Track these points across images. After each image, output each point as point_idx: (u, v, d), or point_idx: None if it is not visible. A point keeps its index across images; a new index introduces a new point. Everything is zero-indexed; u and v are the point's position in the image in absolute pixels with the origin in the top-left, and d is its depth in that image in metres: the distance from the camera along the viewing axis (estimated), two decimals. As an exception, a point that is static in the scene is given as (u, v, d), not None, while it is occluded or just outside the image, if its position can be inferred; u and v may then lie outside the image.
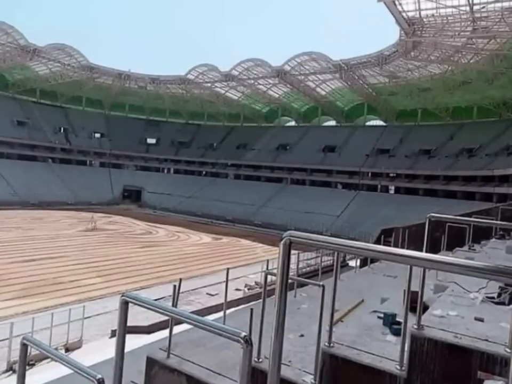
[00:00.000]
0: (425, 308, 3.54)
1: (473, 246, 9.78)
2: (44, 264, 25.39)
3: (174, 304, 4.93)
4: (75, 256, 28.20)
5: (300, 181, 62.29)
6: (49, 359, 11.70)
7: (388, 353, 3.37)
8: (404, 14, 39.68)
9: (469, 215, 13.08)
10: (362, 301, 8.24)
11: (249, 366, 1.40)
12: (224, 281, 8.32)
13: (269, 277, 4.86)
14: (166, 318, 1.80)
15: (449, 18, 38.96)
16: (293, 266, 16.65)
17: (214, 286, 22.29)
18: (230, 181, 67.69)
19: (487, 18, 37.22)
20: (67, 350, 14.27)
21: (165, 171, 74.82)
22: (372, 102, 64.55)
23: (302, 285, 9.80)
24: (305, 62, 58.43)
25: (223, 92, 71.97)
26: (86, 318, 15.58)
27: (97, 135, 74.57)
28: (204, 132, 77.03)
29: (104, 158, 72.31)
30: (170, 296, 8.48)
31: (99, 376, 1.63)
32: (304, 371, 3.86)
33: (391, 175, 55.90)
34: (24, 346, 1.87)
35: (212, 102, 74.21)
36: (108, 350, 11.02)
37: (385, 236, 15.90)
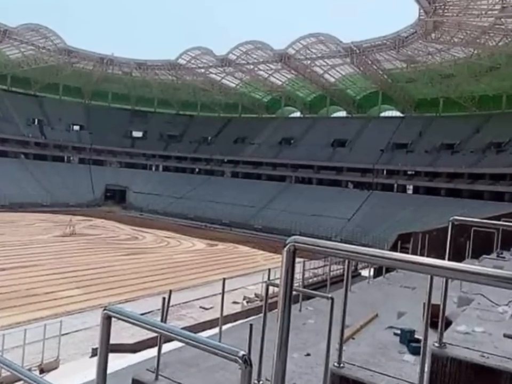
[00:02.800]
0: (447, 324, 3.54)
1: (502, 254, 9.78)
2: (16, 273, 25.36)
3: (163, 319, 4.94)
4: (51, 265, 28.20)
5: (306, 179, 62.32)
6: (21, 382, 11.70)
7: (405, 374, 3.37)
8: (423, -9, 39.76)
9: (498, 218, 13.07)
10: (377, 315, 8.26)
11: (249, 389, 1.40)
12: (219, 293, 8.32)
13: (271, 288, 4.86)
14: (154, 334, 1.80)
15: (475, -5, 39.00)
16: (297, 276, 16.66)
17: (208, 299, 22.30)
18: (227, 179, 67.71)
19: (517, -5, 37.25)
20: (42, 371, 14.27)
21: (153, 168, 74.86)
22: (388, 90, 64.57)
23: (308, 297, 9.82)
24: (311, 44, 58.45)
25: (218, 78, 71.99)
26: (63, 334, 15.59)
27: (76, 128, 74.56)
28: (196, 124, 77.07)
29: (84, 153, 72.30)
30: (158, 310, 8.48)
31: (78, 400, 1.63)
32: (310, 395, 3.85)
33: (409, 172, 55.93)
34: (-7, 367, 1.87)
35: (206, 90, 74.23)
36: (88, 371, 11.02)
37: (403, 242, 15.96)
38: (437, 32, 46.96)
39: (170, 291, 5.84)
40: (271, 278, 13.53)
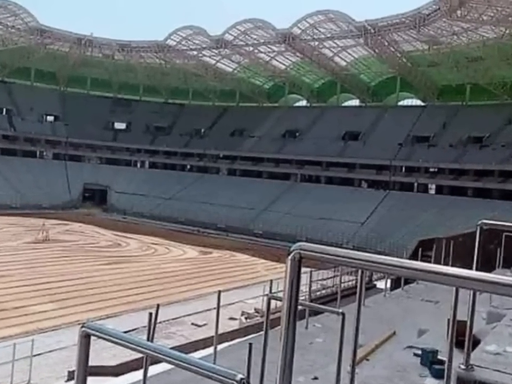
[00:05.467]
0: (475, 343, 3.54)
1: (537, 262, 9.78)
2: (-19, 285, 25.38)
3: (150, 338, 4.94)
4: (21, 276, 28.17)
5: (313, 177, 62.36)
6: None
7: (427, 401, 3.37)
8: (447, -39, 39.79)
9: (533, 222, 13.07)
10: (394, 333, 8.27)
11: (247, 417, 1.40)
12: (214, 308, 8.34)
13: (273, 302, 4.87)
14: (139, 355, 1.80)
15: (506, -34, 39.03)
16: (303, 288, 16.67)
17: (201, 314, 22.31)
18: (223, 177, 67.74)
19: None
20: (11, 397, 14.27)
21: (138, 165, 74.84)
22: (407, 75, 64.58)
23: (315, 312, 9.83)
24: (319, 23, 58.49)
25: (213, 62, 72.00)
26: (35, 355, 15.57)
27: (50, 118, 74.57)
28: (188, 114, 77.07)
29: (59, 148, 72.29)
30: (144, 327, 8.49)
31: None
32: (318, 424, 3.86)
33: (432, 170, 55.95)
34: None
35: (199, 75, 74.25)
36: (64, 397, 11.03)
37: (424, 249, 16.00)
38: (463, 9, 46.94)
39: (158, 305, 5.86)
40: (273, 291, 13.53)
